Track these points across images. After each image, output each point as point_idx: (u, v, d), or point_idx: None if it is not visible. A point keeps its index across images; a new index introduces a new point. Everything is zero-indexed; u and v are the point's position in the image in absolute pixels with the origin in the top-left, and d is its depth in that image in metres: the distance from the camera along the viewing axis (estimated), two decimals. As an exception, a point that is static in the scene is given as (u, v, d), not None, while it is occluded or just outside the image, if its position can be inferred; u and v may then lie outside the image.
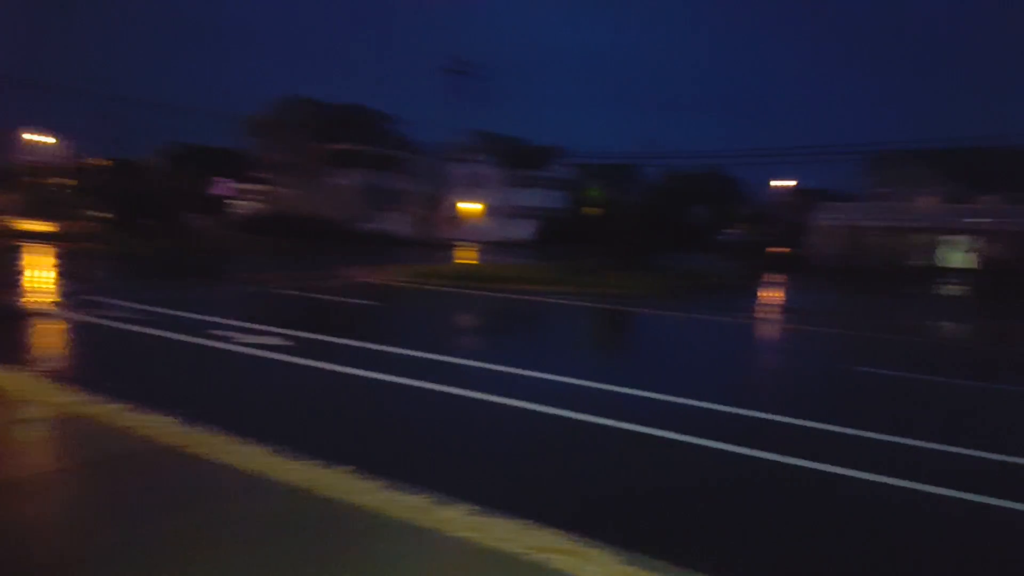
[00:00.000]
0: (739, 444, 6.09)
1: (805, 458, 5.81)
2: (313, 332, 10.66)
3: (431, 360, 9.17)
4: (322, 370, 8.22)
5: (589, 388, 8.04)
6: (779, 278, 30.79)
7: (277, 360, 8.64)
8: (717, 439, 6.20)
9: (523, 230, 54.89)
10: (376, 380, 7.83)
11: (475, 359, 9.42)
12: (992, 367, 11.71)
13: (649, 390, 7.96)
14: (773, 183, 63.06)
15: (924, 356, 12.46)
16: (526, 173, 59.29)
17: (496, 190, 58.07)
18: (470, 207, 59.95)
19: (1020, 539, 4.64)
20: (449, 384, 7.73)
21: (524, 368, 8.82)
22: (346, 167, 53.96)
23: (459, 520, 3.94)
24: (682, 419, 6.88)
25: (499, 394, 7.40)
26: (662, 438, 6.24)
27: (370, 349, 9.78)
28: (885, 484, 5.34)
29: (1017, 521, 4.85)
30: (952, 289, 30.86)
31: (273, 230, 40.04)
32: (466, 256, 36.01)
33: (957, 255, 43.51)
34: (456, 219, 58.96)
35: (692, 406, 7.43)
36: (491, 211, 58.75)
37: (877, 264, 40.79)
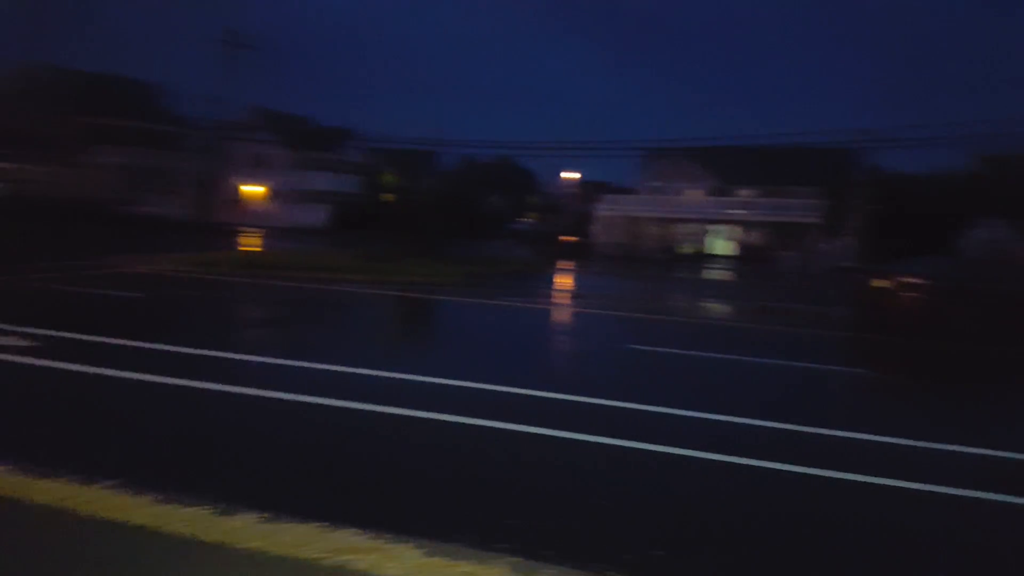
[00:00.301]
0: (512, 421, 6.32)
1: (567, 430, 6.18)
2: (65, 330, 9.29)
3: (208, 357, 8.43)
4: (76, 373, 7.19)
5: (389, 379, 7.86)
6: (567, 265, 32.51)
7: (18, 363, 7.43)
8: (491, 418, 6.37)
9: (313, 215, 52.82)
10: (142, 382, 6.99)
11: (256, 354, 8.85)
12: (739, 341, 13.22)
13: (440, 376, 7.96)
14: (562, 175, 66.54)
15: (685, 334, 13.75)
16: (316, 155, 56.87)
17: (282, 172, 55.05)
18: (253, 190, 56.43)
19: (703, 482, 5.23)
20: (230, 383, 7.14)
21: (303, 360, 8.40)
22: (106, 143, 48.27)
23: (248, 529, 3.60)
24: (466, 402, 6.98)
25: (276, 389, 6.95)
26: (442, 421, 6.25)
27: (134, 347, 8.75)
28: (620, 446, 5.88)
29: (707, 469, 5.46)
30: (714, 274, 34.58)
31: (14, 214, 34.79)
32: (250, 242, 33.86)
33: (720, 243, 49.22)
34: (238, 202, 55.18)
35: (480, 389, 7.58)
36: (277, 194, 55.68)
37: (652, 251, 44.86)
